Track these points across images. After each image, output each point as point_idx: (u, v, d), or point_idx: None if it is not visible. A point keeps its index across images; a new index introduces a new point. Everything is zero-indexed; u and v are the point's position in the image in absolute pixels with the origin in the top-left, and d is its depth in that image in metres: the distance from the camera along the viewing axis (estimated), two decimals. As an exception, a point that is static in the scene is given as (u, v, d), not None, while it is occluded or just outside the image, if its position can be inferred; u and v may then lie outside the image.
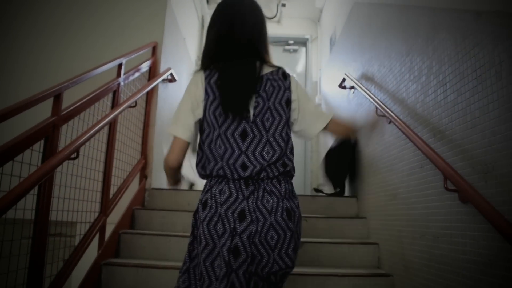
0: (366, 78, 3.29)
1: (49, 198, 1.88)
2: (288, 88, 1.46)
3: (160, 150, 3.64)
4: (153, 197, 3.33)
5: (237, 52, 1.45)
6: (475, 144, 1.63)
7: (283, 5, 5.98)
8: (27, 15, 3.59)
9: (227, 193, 1.33)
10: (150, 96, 3.43)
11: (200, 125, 1.44)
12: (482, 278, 1.56)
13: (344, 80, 3.82)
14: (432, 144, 1.98)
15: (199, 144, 1.44)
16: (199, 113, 1.41)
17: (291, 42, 6.28)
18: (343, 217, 3.21)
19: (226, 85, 1.39)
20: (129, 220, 2.98)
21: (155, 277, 2.41)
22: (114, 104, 2.67)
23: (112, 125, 2.65)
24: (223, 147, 1.35)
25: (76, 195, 2.19)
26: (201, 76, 1.42)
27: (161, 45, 3.51)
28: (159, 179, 3.62)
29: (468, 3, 1.75)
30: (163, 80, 3.58)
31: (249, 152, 1.35)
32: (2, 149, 1.54)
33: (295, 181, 1.49)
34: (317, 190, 3.66)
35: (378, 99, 2.76)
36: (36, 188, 1.75)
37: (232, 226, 1.29)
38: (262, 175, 1.35)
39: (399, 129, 2.29)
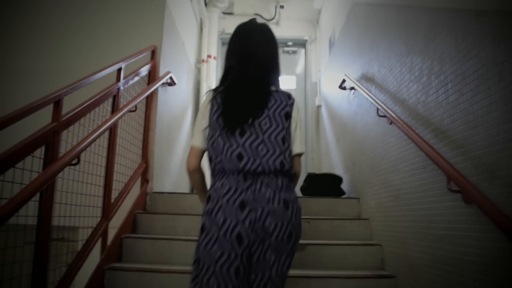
0: (366, 79, 3.28)
1: (50, 204, 1.88)
2: (291, 105, 1.58)
3: (161, 153, 3.64)
4: (155, 201, 3.33)
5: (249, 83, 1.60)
6: (478, 144, 1.62)
7: (282, 6, 5.98)
8: (25, 15, 3.59)
9: (227, 187, 1.45)
10: (150, 100, 3.42)
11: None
12: (486, 279, 1.55)
13: (344, 81, 3.81)
14: (434, 144, 1.97)
15: (207, 148, 1.56)
16: (206, 123, 1.57)
17: (290, 43, 6.28)
18: (346, 218, 3.21)
19: (230, 101, 1.54)
20: (131, 224, 2.98)
21: (158, 281, 2.41)
22: (114, 108, 2.66)
23: (112, 129, 2.64)
24: (222, 143, 1.49)
25: (78, 200, 2.18)
26: (211, 94, 1.61)
27: (160, 49, 3.50)
28: (160, 182, 3.61)
29: (468, 2, 1.75)
30: (163, 83, 3.57)
31: (246, 145, 1.48)
32: (2, 157, 1.54)
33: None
34: None
35: (379, 100, 2.76)
36: (38, 194, 1.74)
37: (233, 216, 1.41)
38: (258, 170, 1.45)
39: (401, 130, 2.28)
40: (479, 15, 1.64)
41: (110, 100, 2.64)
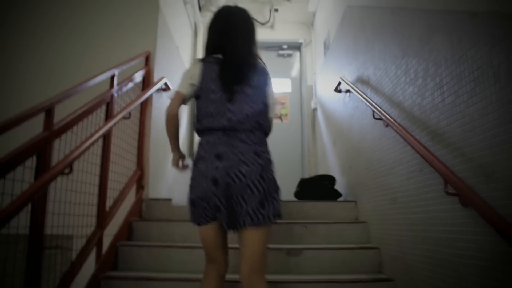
0: (362, 81, 3.27)
1: (43, 215, 1.84)
2: (268, 76, 1.92)
3: (157, 160, 3.61)
4: (150, 208, 3.29)
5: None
6: (475, 146, 1.61)
7: (276, 10, 5.96)
8: (17, 19, 3.56)
9: (211, 141, 1.74)
10: (145, 107, 3.39)
11: (196, 95, 1.83)
12: (484, 282, 1.53)
13: (339, 83, 3.80)
14: (430, 147, 1.96)
15: (196, 107, 1.82)
16: (194, 82, 1.80)
17: (285, 46, 6.26)
18: (343, 222, 3.18)
19: (227, 64, 1.81)
20: (127, 231, 2.94)
21: (154, 290, 2.38)
22: (108, 116, 2.63)
23: (106, 137, 2.60)
24: (213, 107, 1.75)
25: (72, 210, 2.15)
26: (200, 61, 1.86)
27: (154, 54, 3.48)
28: (156, 189, 3.58)
29: (463, 4, 1.74)
30: (157, 89, 3.55)
31: (233, 109, 1.74)
32: (-8, 167, 1.51)
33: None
34: None
35: (374, 103, 2.74)
36: (30, 205, 1.72)
37: (211, 164, 1.69)
38: (240, 127, 1.73)
39: (397, 132, 2.27)
40: (474, 17, 1.63)
41: (104, 107, 2.61)
